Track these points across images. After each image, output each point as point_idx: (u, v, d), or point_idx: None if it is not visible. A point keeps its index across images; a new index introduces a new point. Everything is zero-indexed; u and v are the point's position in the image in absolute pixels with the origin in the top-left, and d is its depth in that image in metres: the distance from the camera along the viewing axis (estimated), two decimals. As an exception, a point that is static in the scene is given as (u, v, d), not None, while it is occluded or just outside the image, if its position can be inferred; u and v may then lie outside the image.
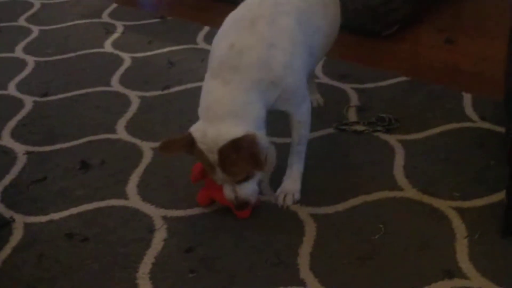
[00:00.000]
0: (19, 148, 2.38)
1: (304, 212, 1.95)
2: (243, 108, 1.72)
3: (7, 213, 2.03)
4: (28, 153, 2.34)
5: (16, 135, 2.46)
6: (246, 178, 1.77)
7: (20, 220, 1.99)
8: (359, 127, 2.34)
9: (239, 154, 1.68)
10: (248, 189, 1.79)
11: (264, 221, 1.93)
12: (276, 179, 2.06)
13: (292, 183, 2.00)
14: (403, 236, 1.84)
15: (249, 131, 1.69)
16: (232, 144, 1.67)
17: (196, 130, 1.74)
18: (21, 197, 2.11)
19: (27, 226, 1.97)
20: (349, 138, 2.32)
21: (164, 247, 1.85)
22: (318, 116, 2.42)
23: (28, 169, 2.25)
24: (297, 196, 1.99)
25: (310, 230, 1.88)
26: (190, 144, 1.74)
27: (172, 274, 1.74)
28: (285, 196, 1.98)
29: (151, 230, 1.91)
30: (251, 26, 1.77)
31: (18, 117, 2.59)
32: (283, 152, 2.03)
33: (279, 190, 2.01)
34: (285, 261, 1.78)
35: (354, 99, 2.55)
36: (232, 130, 1.68)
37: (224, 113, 1.70)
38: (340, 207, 1.97)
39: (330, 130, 2.36)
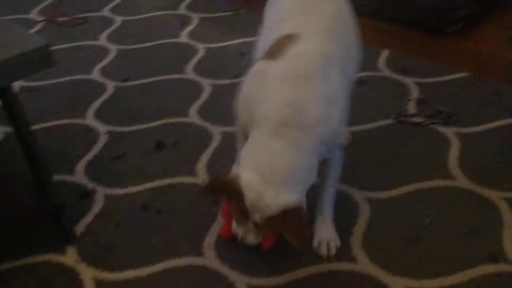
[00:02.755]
0: (102, 128, 2.61)
1: (359, 196, 2.08)
2: (305, 173, 1.61)
3: (90, 184, 2.25)
4: (109, 132, 2.57)
5: (99, 115, 2.69)
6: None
7: (101, 191, 2.21)
8: (418, 119, 2.44)
9: (286, 225, 1.57)
10: (256, 240, 1.71)
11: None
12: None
13: (328, 231, 1.90)
14: (452, 222, 1.94)
15: (302, 202, 1.59)
16: (283, 214, 1.55)
17: (247, 185, 1.57)
18: (102, 171, 2.33)
19: (107, 197, 2.18)
20: (407, 129, 2.42)
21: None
22: (378, 107, 2.54)
23: (109, 147, 2.48)
24: (338, 242, 1.89)
25: (364, 212, 2.01)
26: (234, 191, 1.59)
27: (234, 245, 1.89)
28: (328, 245, 1.88)
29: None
30: (307, 83, 1.61)
31: (101, 99, 2.82)
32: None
33: (317, 239, 1.89)
34: (339, 238, 1.91)
35: (415, 92, 2.65)
36: (289, 198, 1.55)
37: (285, 176, 1.56)
38: (394, 193, 2.09)
39: (390, 121, 2.47)
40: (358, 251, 1.86)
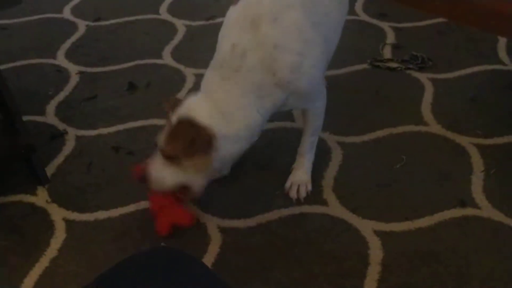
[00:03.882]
0: (72, 68, 2.56)
1: (332, 140, 2.09)
2: (234, 110, 1.60)
3: (61, 125, 2.22)
4: (80, 73, 2.52)
5: (70, 56, 2.64)
6: (174, 162, 1.62)
7: (72, 133, 2.18)
8: (393, 64, 2.44)
9: (183, 132, 1.58)
10: (160, 173, 1.65)
11: (292, 147, 2.07)
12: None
13: (303, 174, 1.90)
14: (423, 167, 1.96)
15: (212, 130, 1.58)
16: (189, 121, 1.59)
17: (189, 98, 1.67)
18: (73, 112, 2.30)
19: (78, 138, 2.16)
20: (382, 74, 2.42)
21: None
22: (354, 52, 2.53)
23: (80, 88, 2.44)
24: (310, 187, 1.89)
25: (336, 156, 2.02)
26: (174, 107, 1.67)
27: (206, 188, 1.89)
28: (298, 188, 1.89)
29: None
30: (252, 27, 1.58)
31: (72, 39, 2.76)
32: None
33: (289, 181, 1.90)
34: (313, 182, 1.92)
35: (391, 37, 2.63)
36: (204, 117, 1.58)
37: (212, 104, 1.60)
38: (367, 137, 2.09)
39: (365, 66, 2.46)
40: (329, 195, 1.88)
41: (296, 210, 1.83)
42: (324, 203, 1.85)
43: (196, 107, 1.61)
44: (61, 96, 2.38)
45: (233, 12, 1.66)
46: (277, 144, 2.09)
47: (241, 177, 1.96)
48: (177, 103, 1.67)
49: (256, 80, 1.58)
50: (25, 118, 2.11)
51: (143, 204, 1.86)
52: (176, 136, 1.59)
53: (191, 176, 1.65)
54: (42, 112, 2.30)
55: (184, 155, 1.59)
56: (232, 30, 1.62)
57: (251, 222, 1.80)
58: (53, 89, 2.43)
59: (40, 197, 1.92)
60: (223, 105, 1.59)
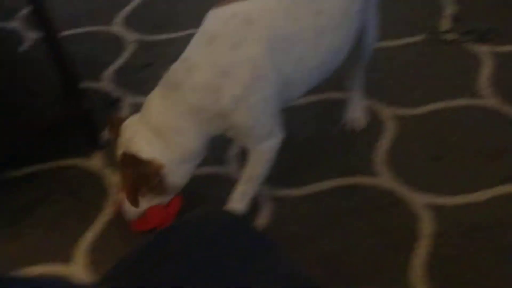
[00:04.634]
0: (129, 36, 2.60)
1: (385, 112, 2.06)
2: (171, 134, 1.53)
3: (117, 92, 2.27)
4: (136, 40, 2.56)
5: (126, 23, 2.68)
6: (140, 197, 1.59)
7: (127, 100, 2.23)
8: (451, 36, 2.38)
9: (130, 174, 1.54)
10: (130, 208, 1.62)
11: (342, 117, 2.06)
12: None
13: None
14: (477, 141, 1.92)
15: (157, 160, 1.53)
16: (133, 159, 1.53)
17: (129, 119, 1.63)
18: (129, 79, 2.34)
19: (133, 105, 2.20)
20: (439, 46, 2.36)
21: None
22: (410, 23, 2.48)
23: (136, 55, 2.48)
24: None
25: (389, 129, 2.00)
26: (117, 129, 1.64)
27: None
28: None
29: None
30: (207, 43, 1.47)
31: (129, 7, 2.80)
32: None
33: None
34: (362, 153, 1.92)
35: (450, 8, 2.56)
36: (143, 146, 1.54)
37: (152, 126, 1.53)
38: (420, 110, 2.06)
39: (421, 38, 2.40)
40: (381, 166, 1.86)
41: (346, 181, 1.83)
42: (375, 174, 1.84)
43: (136, 136, 1.55)
44: (117, 63, 2.43)
45: (205, 22, 1.55)
46: (327, 115, 2.08)
47: (292, 147, 1.96)
48: (119, 124, 1.63)
49: (196, 102, 1.48)
50: (83, 84, 2.16)
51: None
52: (126, 178, 1.56)
53: (156, 199, 1.63)
54: (99, 79, 2.35)
55: (140, 193, 1.57)
56: (191, 42, 1.54)
57: (301, 191, 1.81)
58: (110, 57, 2.47)
59: (96, 162, 1.98)
60: (162, 129, 1.52)
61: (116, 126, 1.63)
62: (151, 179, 1.53)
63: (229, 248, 0.85)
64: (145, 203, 1.62)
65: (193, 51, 1.50)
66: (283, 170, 1.88)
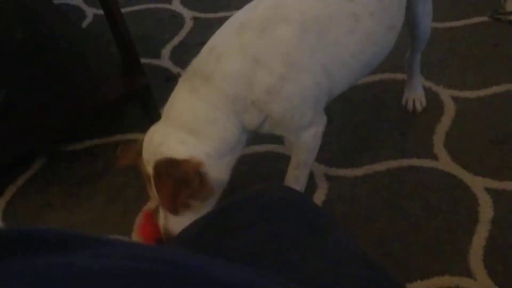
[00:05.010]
0: (187, 14, 2.62)
1: (446, 94, 2.03)
2: (205, 126, 1.36)
3: (175, 69, 2.29)
4: (194, 18, 2.58)
5: (185, 1, 2.70)
6: (180, 209, 1.39)
7: (185, 76, 2.25)
8: (515, 17, 2.32)
9: (169, 179, 1.32)
10: (179, 224, 1.35)
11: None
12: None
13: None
14: (542, 126, 1.88)
15: (195, 157, 1.34)
16: (169, 163, 1.32)
17: (148, 132, 1.43)
18: (187, 56, 2.33)
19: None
20: (503, 27, 2.30)
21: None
22: (473, 3, 2.42)
23: (194, 33, 2.49)
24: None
25: (449, 111, 1.96)
26: (138, 155, 1.42)
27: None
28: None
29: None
30: (238, 31, 1.35)
31: (188, -15, 2.81)
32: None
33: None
34: (420, 135, 1.89)
35: (515, -11, 2.49)
36: (177, 147, 1.34)
37: (180, 124, 1.37)
38: (482, 92, 2.01)
39: (484, 18, 2.34)
40: (440, 149, 1.84)
41: (404, 162, 1.81)
42: (434, 157, 1.82)
43: (166, 140, 1.35)
44: (176, 40, 2.46)
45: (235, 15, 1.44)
46: (386, 95, 2.06)
47: (350, 127, 1.96)
48: (129, 149, 1.47)
49: (230, 92, 1.34)
50: (142, 60, 2.19)
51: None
52: (165, 189, 1.33)
53: (203, 208, 1.41)
54: (158, 56, 2.38)
55: (184, 203, 1.37)
56: (218, 33, 1.42)
57: (358, 171, 1.80)
58: (169, 34, 2.50)
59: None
60: (195, 125, 1.36)
61: (128, 153, 1.47)
62: (192, 179, 1.33)
63: (296, 222, 0.85)
64: (194, 216, 1.27)
65: (220, 40, 1.39)
66: (340, 150, 1.88)
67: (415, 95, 1.99)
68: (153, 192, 1.37)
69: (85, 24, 2.67)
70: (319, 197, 1.74)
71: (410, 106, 1.99)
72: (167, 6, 2.69)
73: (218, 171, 1.40)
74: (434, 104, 1.99)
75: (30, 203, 1.85)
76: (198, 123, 1.36)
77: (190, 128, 1.35)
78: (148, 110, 2.04)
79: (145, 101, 2.02)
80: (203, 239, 0.84)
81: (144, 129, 2.01)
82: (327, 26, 1.38)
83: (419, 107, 1.98)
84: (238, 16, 1.41)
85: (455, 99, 2.01)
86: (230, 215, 0.87)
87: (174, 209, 1.37)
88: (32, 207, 1.84)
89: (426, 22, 1.76)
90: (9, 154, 1.85)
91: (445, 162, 1.79)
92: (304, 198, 0.94)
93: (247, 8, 1.42)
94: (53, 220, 1.79)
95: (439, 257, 1.55)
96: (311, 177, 1.79)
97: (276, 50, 1.33)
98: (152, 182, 1.35)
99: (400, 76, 2.10)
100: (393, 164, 1.81)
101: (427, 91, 2.02)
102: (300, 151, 1.54)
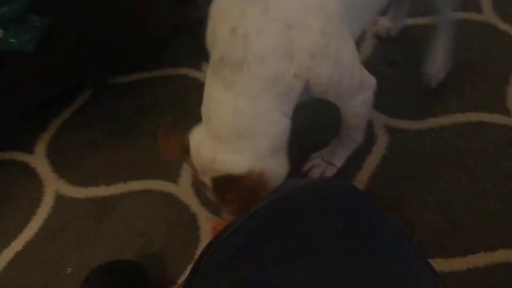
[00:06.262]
0: None
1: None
2: (252, 125, 1.19)
3: None
4: None
5: None
6: None
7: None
8: None
9: (237, 194, 1.22)
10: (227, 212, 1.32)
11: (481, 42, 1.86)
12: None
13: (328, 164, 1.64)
14: None
15: (254, 168, 1.20)
16: (229, 180, 1.21)
17: (193, 139, 1.26)
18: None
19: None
20: None
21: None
22: None
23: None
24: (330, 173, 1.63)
25: (527, 60, 1.79)
26: (186, 153, 1.28)
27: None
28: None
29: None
30: (257, 2, 1.16)
31: None
32: None
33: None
34: (493, 86, 1.73)
35: None
36: (232, 160, 1.20)
37: (225, 131, 1.20)
38: None
39: None
40: (513, 103, 1.69)
41: (473, 117, 1.67)
42: (506, 113, 1.66)
43: (218, 154, 1.20)
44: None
45: None
46: (465, 35, 1.88)
47: (416, 71, 1.80)
48: (171, 139, 1.31)
49: (268, 72, 1.16)
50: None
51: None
52: (232, 206, 1.25)
53: None
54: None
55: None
56: (229, 11, 1.19)
57: (422, 125, 1.67)
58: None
59: (205, 74, 1.90)
60: (240, 127, 1.19)
61: (169, 142, 1.31)
62: (260, 190, 1.21)
63: (353, 216, 0.77)
64: None
65: (241, 16, 1.17)
66: (403, 98, 1.74)
67: (432, 71, 1.76)
68: (211, 196, 1.27)
69: None
70: (378, 151, 1.62)
71: (425, 82, 1.77)
72: None
73: (279, 168, 1.27)
74: (509, 50, 1.81)
75: (74, 140, 1.78)
76: (244, 125, 1.19)
77: (238, 133, 1.19)
78: (200, 45, 1.92)
79: (196, 35, 1.90)
80: (273, 223, 0.76)
81: (193, 64, 1.93)
82: None
83: (433, 85, 1.75)
84: None
85: (534, 45, 1.83)
86: (297, 203, 0.78)
87: None
88: (76, 144, 1.77)
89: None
90: (53, 87, 1.77)
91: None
92: (362, 193, 0.84)
93: None
94: (97, 159, 1.72)
95: (507, 228, 1.43)
96: (370, 126, 1.67)
97: (308, 6, 1.16)
98: (213, 193, 1.25)
99: (473, 15, 1.91)
100: (460, 118, 1.67)
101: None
102: (353, 118, 1.43)
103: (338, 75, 1.23)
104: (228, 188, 1.22)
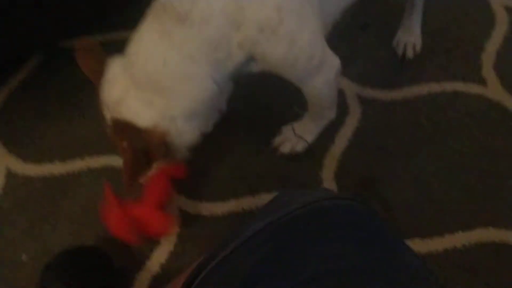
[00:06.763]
0: None
1: (497, 4, 1.78)
2: (176, 83, 1.11)
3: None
4: None
5: None
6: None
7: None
8: None
9: (131, 145, 1.12)
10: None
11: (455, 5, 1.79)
12: None
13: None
14: None
15: (159, 125, 1.12)
16: (128, 128, 1.13)
17: (111, 68, 1.15)
18: None
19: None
20: None
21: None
22: None
23: None
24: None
25: (501, 26, 1.73)
26: (100, 77, 1.17)
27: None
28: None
29: None
30: None
31: None
32: None
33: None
34: (468, 53, 1.67)
35: None
36: (139, 110, 1.12)
37: (146, 79, 1.11)
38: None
39: None
40: (489, 72, 1.63)
41: (448, 87, 1.61)
42: (482, 82, 1.61)
43: (128, 97, 1.12)
44: None
45: None
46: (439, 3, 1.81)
47: (389, 35, 1.71)
48: (91, 54, 1.19)
49: (211, 34, 1.07)
50: None
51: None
52: (123, 155, 1.14)
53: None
54: None
55: (146, 168, 1.19)
56: None
57: (396, 94, 1.60)
58: None
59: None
60: (162, 80, 1.10)
61: (89, 53, 1.19)
62: (155, 151, 1.15)
63: (368, 235, 0.75)
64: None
65: None
66: (376, 65, 1.67)
67: (409, 39, 1.68)
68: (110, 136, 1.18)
69: None
70: (351, 123, 1.55)
71: (400, 51, 1.68)
72: None
73: (186, 135, 1.18)
74: (483, 18, 1.74)
75: (24, 110, 1.64)
76: (168, 80, 1.10)
77: (158, 86, 1.10)
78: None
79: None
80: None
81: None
82: None
83: (410, 54, 1.67)
84: None
85: (508, 9, 1.76)
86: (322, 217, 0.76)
87: (131, 179, 1.15)
88: (26, 115, 1.63)
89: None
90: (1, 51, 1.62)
91: (494, 89, 1.60)
92: (374, 212, 0.78)
93: None
94: (50, 131, 1.59)
95: (484, 205, 1.40)
96: (342, 95, 1.58)
97: None
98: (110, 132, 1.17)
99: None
100: (436, 88, 1.61)
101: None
102: (313, 98, 1.34)
103: (292, 57, 1.14)
104: (124, 135, 1.12)
